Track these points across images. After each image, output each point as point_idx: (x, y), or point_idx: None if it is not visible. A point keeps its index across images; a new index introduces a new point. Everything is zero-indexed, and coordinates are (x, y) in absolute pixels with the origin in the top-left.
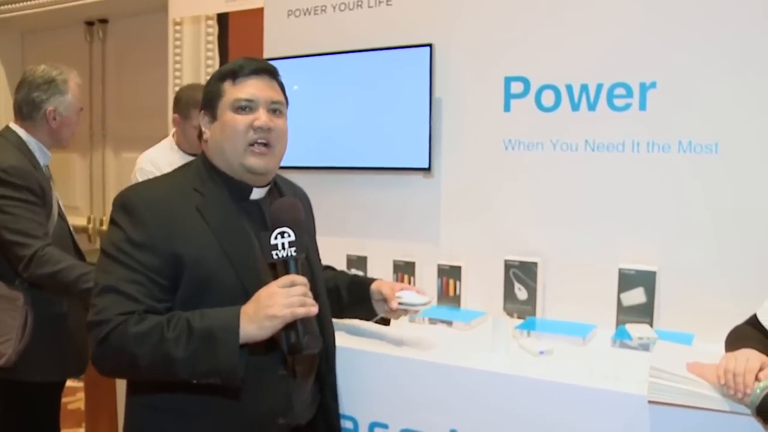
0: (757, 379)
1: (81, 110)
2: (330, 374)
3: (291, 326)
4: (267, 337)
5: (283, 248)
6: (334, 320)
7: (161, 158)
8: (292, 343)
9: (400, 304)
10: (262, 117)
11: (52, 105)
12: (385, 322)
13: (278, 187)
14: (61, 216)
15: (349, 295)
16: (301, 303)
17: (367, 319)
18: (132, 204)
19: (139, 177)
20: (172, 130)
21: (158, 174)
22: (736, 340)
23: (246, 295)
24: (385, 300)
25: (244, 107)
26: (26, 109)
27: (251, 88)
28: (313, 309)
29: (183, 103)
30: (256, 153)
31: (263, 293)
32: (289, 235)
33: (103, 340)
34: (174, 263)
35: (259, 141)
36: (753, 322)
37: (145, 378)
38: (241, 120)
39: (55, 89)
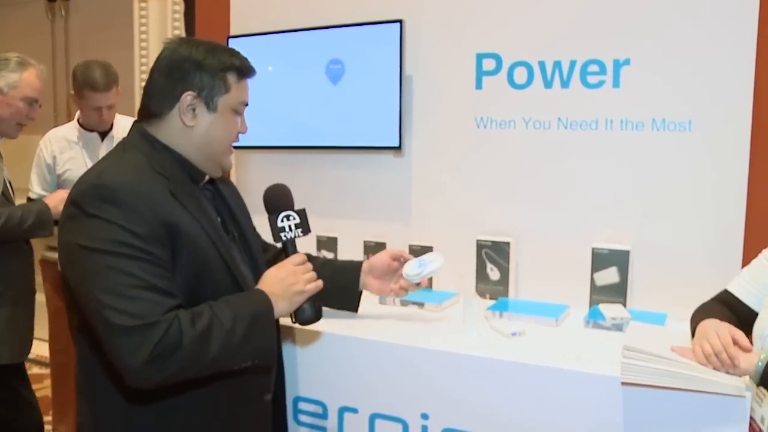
0: (744, 349)
1: (35, 102)
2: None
3: (306, 300)
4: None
5: (290, 230)
6: None
7: (56, 136)
8: (307, 316)
9: (418, 275)
10: (245, 124)
11: None
12: (356, 307)
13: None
14: (6, 196)
15: (331, 282)
16: (316, 278)
17: (339, 307)
18: (113, 193)
19: (35, 158)
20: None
21: (45, 153)
22: (700, 314)
23: (233, 278)
24: (396, 261)
25: (241, 111)
26: None
27: (247, 92)
28: (321, 283)
29: (77, 83)
30: (229, 153)
31: (282, 272)
32: (294, 218)
33: (158, 346)
34: (171, 242)
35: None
36: (722, 298)
37: (196, 375)
38: (237, 123)
39: (4, 65)
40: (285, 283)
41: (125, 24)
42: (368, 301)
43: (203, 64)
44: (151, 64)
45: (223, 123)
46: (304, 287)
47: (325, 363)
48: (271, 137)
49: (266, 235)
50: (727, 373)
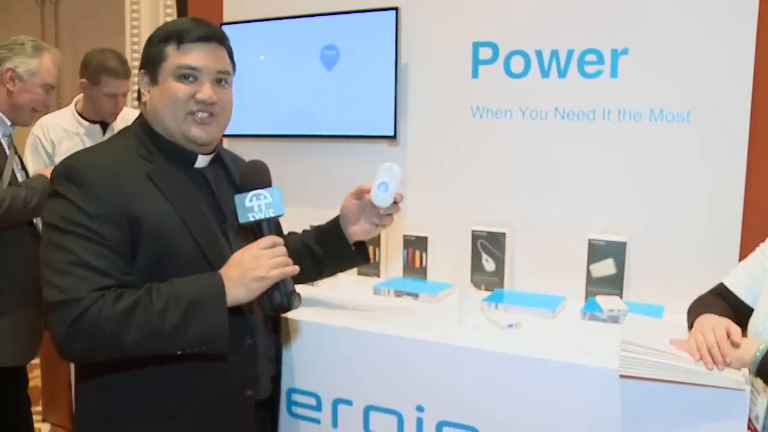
0: (733, 345)
1: (52, 89)
2: (281, 348)
3: (274, 286)
4: (251, 300)
5: (260, 210)
6: (300, 290)
7: (54, 124)
8: (277, 303)
9: (389, 198)
10: (205, 90)
11: (13, 63)
12: (366, 258)
13: (221, 157)
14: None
15: (322, 246)
16: (286, 263)
17: (350, 266)
18: (79, 174)
19: (28, 145)
20: (78, 96)
21: (44, 141)
22: (698, 307)
23: (207, 264)
24: (360, 200)
25: (187, 76)
26: None
27: (197, 56)
28: (296, 268)
29: (92, 69)
30: (197, 122)
31: (245, 256)
32: (266, 197)
33: (76, 322)
34: (132, 231)
35: (200, 113)
36: (718, 291)
37: (124, 357)
38: (182, 89)
39: (20, 50)
40: (243, 268)
41: (116, 10)
42: (362, 292)
43: (150, 39)
44: (142, 51)
45: (162, 92)
46: (265, 273)
47: (319, 354)
48: (264, 125)
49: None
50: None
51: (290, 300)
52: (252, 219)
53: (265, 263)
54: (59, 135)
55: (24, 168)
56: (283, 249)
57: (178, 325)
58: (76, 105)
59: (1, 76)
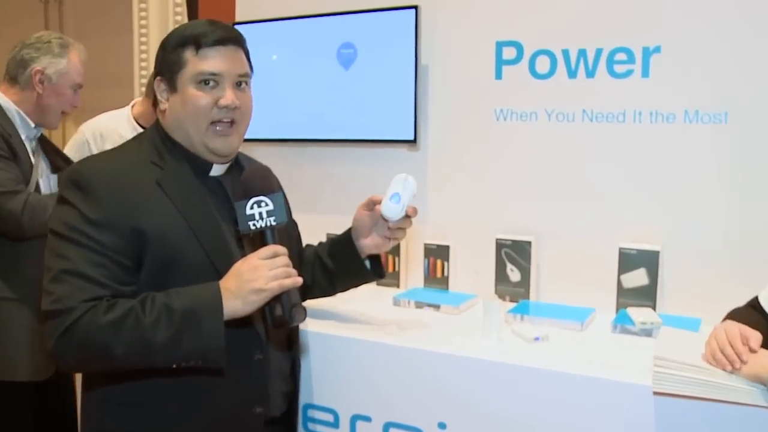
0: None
1: (80, 88)
2: (299, 364)
3: (275, 299)
4: (250, 313)
5: (261, 218)
6: (317, 302)
7: (110, 131)
8: (278, 317)
9: (401, 211)
10: (227, 95)
11: (41, 65)
12: (380, 273)
13: (239, 163)
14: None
15: (333, 259)
16: (287, 274)
17: (361, 281)
18: (84, 179)
19: (74, 145)
20: (133, 101)
21: (94, 148)
22: (729, 317)
23: (216, 274)
24: (372, 211)
25: (208, 81)
26: (13, 68)
27: (216, 60)
28: (299, 279)
29: None
30: (219, 134)
31: (244, 266)
32: (267, 204)
33: (67, 331)
34: (136, 241)
35: (223, 120)
36: (753, 304)
37: (117, 368)
38: (204, 97)
39: (47, 49)
40: (241, 279)
41: (124, 8)
42: (381, 303)
43: (165, 45)
44: (151, 50)
45: (183, 101)
46: (263, 285)
47: (336, 368)
48: (278, 129)
49: None
50: (733, 373)
51: (292, 313)
52: (253, 227)
53: (263, 274)
54: (114, 141)
55: (56, 169)
56: (284, 260)
57: (172, 337)
58: (132, 108)
59: (29, 78)
